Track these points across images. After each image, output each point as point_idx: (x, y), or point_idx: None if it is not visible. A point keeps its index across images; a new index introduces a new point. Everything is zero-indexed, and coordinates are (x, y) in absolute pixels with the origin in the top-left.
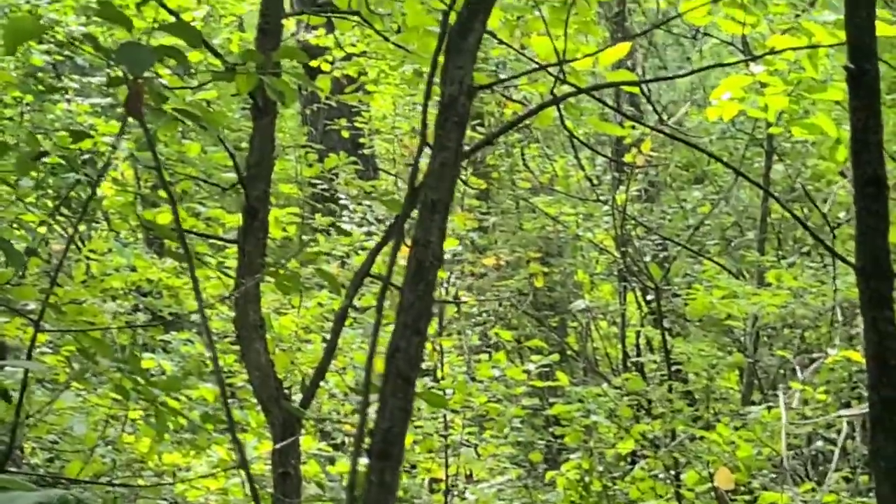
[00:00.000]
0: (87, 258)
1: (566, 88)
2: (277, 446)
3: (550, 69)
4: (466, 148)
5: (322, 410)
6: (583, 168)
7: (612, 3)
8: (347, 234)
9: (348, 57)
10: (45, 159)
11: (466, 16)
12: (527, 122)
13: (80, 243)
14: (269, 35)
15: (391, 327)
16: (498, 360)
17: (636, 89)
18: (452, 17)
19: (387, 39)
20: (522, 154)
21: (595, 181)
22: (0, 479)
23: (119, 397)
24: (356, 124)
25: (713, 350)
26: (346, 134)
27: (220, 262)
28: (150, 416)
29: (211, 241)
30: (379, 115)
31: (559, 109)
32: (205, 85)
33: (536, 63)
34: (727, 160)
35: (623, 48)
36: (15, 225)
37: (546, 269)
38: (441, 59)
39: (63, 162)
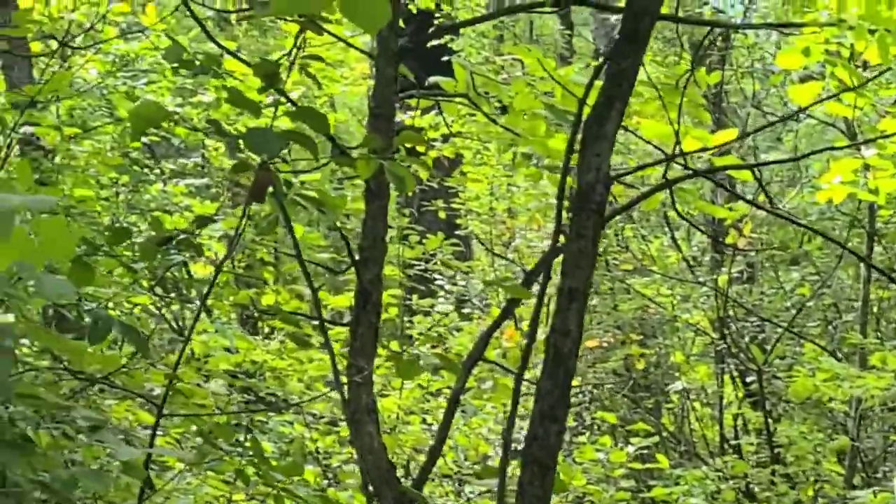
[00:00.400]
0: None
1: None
2: None
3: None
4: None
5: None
6: (680, 249)
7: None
8: (445, 314)
9: (446, 138)
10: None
11: (604, 103)
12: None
13: (177, 323)
14: (381, 119)
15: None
16: (603, 443)
17: (747, 174)
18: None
19: (494, 122)
20: (617, 235)
21: (692, 262)
22: None
23: (229, 480)
24: (452, 205)
25: (816, 433)
26: (442, 215)
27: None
28: (256, 501)
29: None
30: (473, 196)
31: (672, 192)
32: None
33: (651, 145)
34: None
35: (732, 133)
36: (126, 309)
37: (644, 351)
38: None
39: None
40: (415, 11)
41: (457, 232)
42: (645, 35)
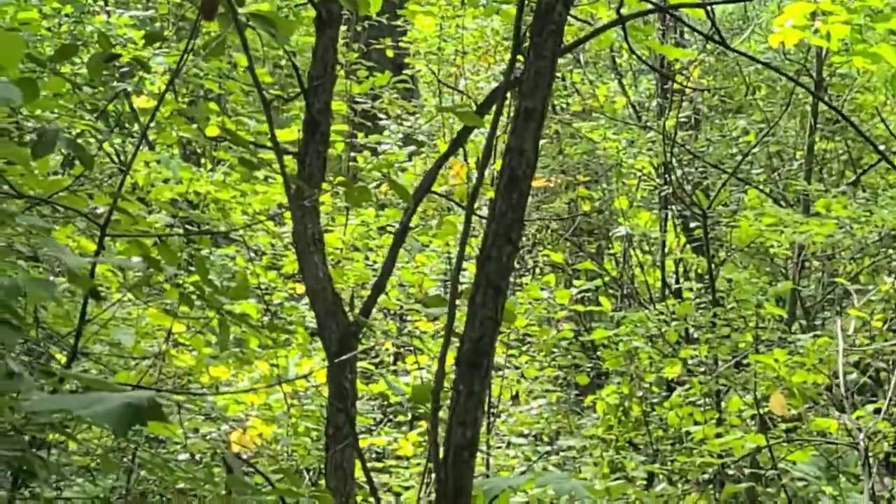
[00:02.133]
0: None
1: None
2: (336, 361)
3: None
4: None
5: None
6: (626, 94)
7: None
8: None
9: None
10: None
11: None
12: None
13: (118, 157)
14: None
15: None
16: (547, 281)
17: (700, 12)
18: None
19: None
20: (563, 79)
21: (639, 108)
22: (84, 378)
23: (169, 309)
24: (400, 44)
25: (758, 278)
26: (390, 53)
27: (266, 176)
28: (195, 330)
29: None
30: (421, 38)
31: (625, 30)
32: None
33: None
34: (774, 90)
35: None
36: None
37: (590, 194)
38: None
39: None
40: None
41: (404, 72)
42: None
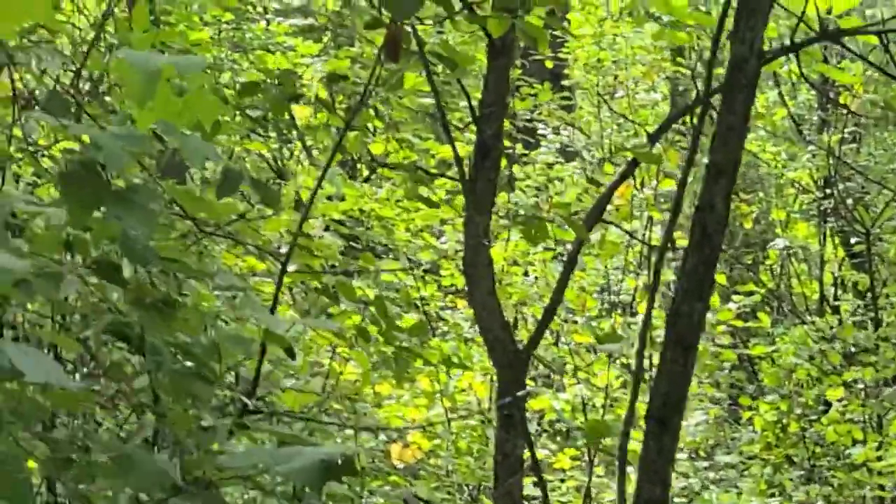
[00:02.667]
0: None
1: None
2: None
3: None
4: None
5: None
6: (786, 105)
7: None
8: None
9: None
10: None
11: None
12: None
13: (276, 162)
14: None
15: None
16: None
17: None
18: None
19: None
20: None
21: (798, 119)
22: (279, 434)
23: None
24: (559, 55)
25: None
26: (549, 64)
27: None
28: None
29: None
30: (578, 45)
31: (798, 57)
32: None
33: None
34: None
35: None
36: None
37: (751, 210)
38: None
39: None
40: None
41: (562, 83)
42: None
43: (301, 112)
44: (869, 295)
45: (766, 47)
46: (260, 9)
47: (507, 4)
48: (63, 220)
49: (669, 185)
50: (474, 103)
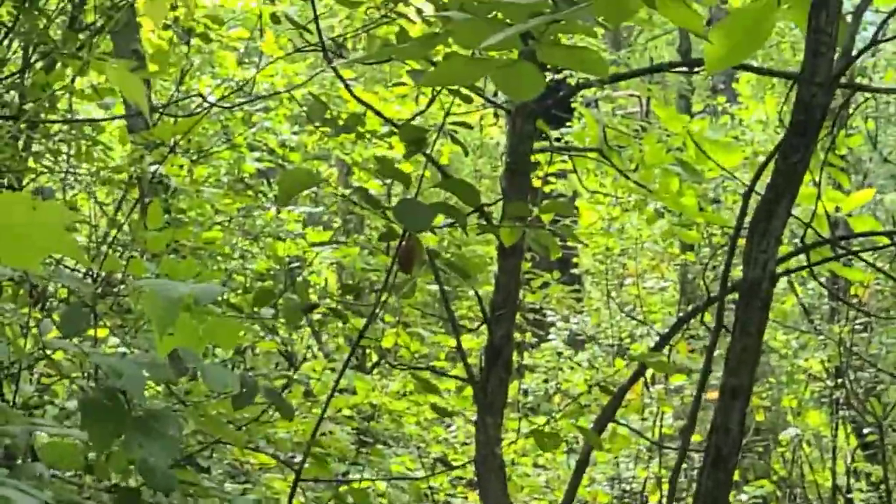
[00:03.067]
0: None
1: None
2: None
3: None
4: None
5: None
6: (796, 293)
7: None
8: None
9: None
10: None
11: (772, 199)
12: None
13: (289, 348)
14: (517, 175)
15: None
16: None
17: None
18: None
19: (626, 177)
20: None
21: (808, 308)
22: None
23: None
24: (568, 244)
25: None
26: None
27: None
28: None
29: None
30: (586, 231)
31: (808, 257)
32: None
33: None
34: None
35: (868, 193)
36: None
37: (765, 404)
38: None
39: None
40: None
41: (571, 271)
42: (815, 128)
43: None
44: (882, 486)
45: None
46: (271, 196)
47: (517, 214)
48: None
49: (680, 380)
50: (485, 304)
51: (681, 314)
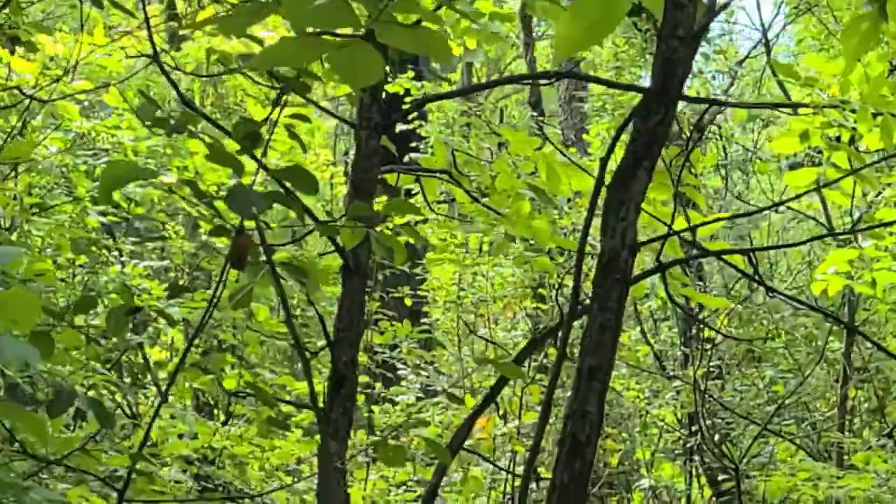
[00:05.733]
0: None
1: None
2: None
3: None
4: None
5: None
6: (649, 342)
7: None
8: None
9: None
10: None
11: (629, 163)
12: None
13: (130, 409)
14: (362, 192)
15: None
16: None
17: (738, 258)
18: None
19: (476, 200)
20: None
21: (661, 356)
22: None
23: None
24: (419, 292)
25: None
26: (408, 302)
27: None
28: None
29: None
30: (437, 286)
31: (664, 278)
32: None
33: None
34: (801, 338)
35: (721, 220)
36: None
37: (618, 447)
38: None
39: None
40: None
41: (423, 320)
42: (677, 86)
43: (157, 355)
44: None
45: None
46: (115, 252)
47: (361, 213)
48: None
49: (533, 418)
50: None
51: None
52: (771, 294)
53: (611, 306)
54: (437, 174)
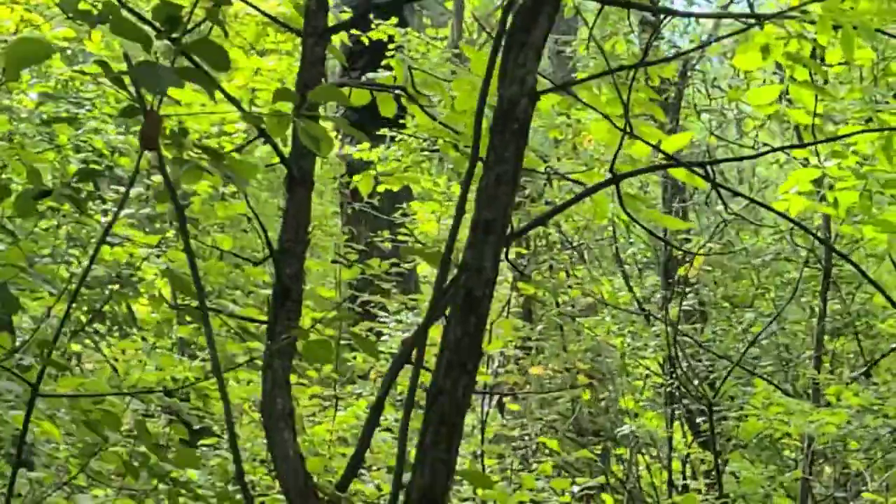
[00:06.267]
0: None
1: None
2: None
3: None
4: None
5: None
6: (631, 288)
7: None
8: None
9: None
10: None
11: (530, 7)
12: (575, 242)
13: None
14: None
15: None
16: (543, 470)
17: (700, 181)
18: None
19: (433, 118)
20: (568, 274)
21: (644, 302)
22: None
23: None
24: (399, 237)
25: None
26: (387, 245)
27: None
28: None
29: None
30: (419, 231)
31: (619, 193)
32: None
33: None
34: (779, 284)
35: (686, 136)
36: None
37: (595, 385)
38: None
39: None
40: (367, 43)
41: (404, 265)
42: None
43: (142, 309)
44: (714, 473)
45: None
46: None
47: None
48: None
49: (498, 346)
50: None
51: None
52: (756, 202)
53: (507, 157)
54: (393, 90)
